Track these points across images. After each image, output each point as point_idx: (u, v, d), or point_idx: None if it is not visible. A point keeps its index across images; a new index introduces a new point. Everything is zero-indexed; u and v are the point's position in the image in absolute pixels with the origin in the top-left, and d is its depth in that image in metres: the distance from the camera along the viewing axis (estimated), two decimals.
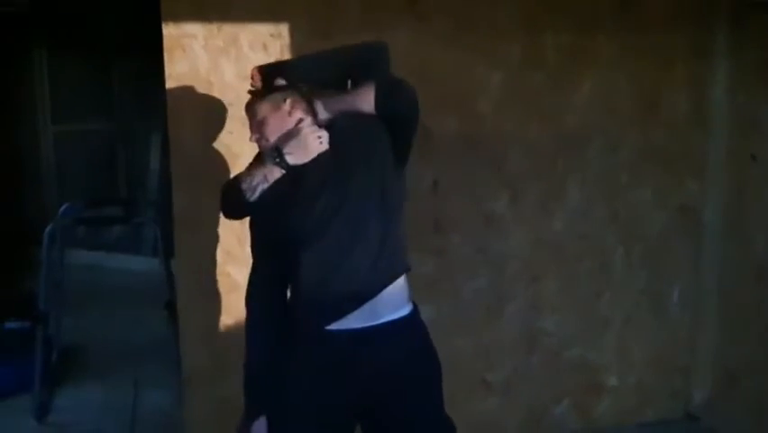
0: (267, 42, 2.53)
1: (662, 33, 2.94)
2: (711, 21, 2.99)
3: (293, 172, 1.75)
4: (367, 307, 1.72)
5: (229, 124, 2.53)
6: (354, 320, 1.72)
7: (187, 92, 2.48)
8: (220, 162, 2.54)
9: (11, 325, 3.70)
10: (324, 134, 1.76)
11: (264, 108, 1.79)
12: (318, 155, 1.75)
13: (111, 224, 3.94)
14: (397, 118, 1.73)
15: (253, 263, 1.87)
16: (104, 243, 5.84)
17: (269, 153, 1.76)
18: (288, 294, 1.84)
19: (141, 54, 4.29)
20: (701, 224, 3.07)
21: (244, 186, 1.77)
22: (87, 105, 6.25)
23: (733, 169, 2.98)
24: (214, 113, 2.52)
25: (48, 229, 3.41)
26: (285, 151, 1.74)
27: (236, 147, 2.54)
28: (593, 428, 3.07)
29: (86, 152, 6.30)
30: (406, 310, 1.80)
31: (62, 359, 3.87)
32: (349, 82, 1.82)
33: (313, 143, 1.75)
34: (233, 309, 2.63)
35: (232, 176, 2.02)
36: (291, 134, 1.75)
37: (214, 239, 2.60)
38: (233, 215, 1.94)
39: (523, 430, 3.01)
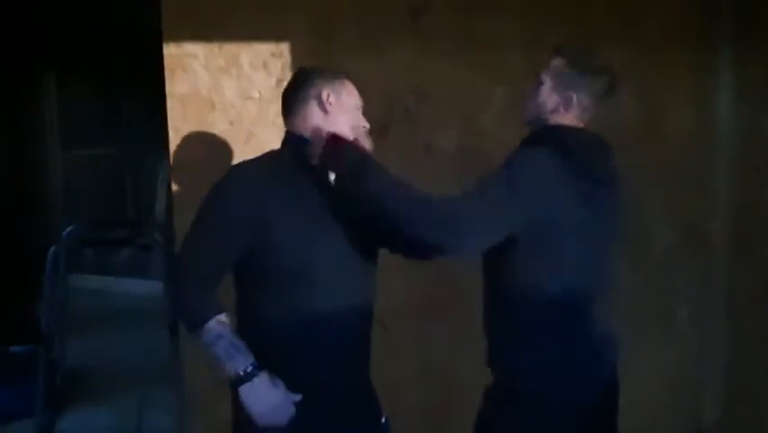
0: (268, 61, 2.54)
1: (666, 48, 2.94)
2: (715, 35, 2.98)
3: None
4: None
5: (230, 144, 2.54)
6: None
7: (189, 112, 2.49)
8: None
9: (15, 348, 3.69)
10: None
11: None
12: None
13: (117, 245, 3.94)
14: None
15: None
16: (111, 267, 5.86)
17: None
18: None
19: (150, 80, 4.33)
20: (708, 239, 3.04)
21: None
22: (97, 131, 6.30)
23: (739, 183, 2.96)
24: (215, 132, 2.53)
25: (52, 250, 3.41)
26: None
27: None
28: None
29: (94, 178, 6.33)
30: None
31: (67, 382, 3.85)
32: None
33: None
34: None
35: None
36: None
37: None
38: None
39: None
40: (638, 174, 2.94)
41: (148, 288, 5.65)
